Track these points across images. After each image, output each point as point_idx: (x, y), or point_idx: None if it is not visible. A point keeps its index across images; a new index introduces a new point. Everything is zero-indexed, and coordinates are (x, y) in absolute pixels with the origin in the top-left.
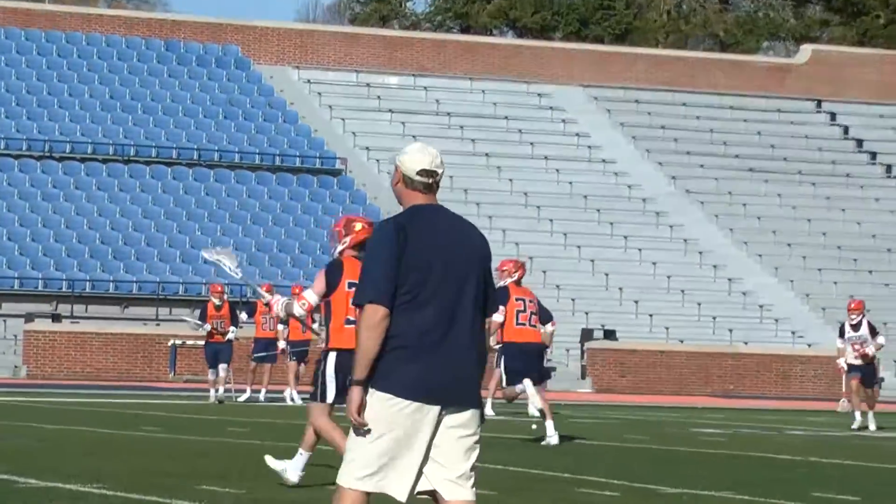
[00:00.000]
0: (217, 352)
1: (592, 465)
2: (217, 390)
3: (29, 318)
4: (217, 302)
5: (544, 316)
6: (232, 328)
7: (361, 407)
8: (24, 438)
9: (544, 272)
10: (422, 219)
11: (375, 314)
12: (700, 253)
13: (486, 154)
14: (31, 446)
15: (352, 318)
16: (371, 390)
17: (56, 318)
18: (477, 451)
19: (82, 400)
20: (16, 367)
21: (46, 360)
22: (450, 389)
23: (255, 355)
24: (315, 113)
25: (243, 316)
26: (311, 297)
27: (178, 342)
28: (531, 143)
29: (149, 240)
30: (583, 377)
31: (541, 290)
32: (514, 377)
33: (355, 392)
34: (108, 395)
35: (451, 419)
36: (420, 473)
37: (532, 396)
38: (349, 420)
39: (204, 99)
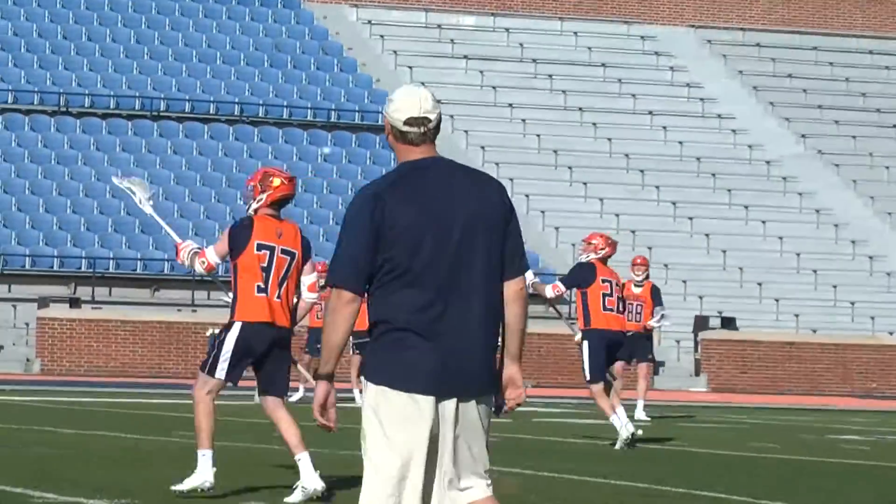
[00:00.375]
0: None
1: (710, 479)
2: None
3: (43, 302)
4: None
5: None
6: None
7: (325, 405)
8: (40, 446)
9: (649, 248)
10: (408, 181)
11: (338, 298)
12: (835, 226)
13: (580, 108)
14: (47, 455)
15: (262, 286)
16: (365, 383)
17: (74, 302)
18: (488, 448)
19: (106, 400)
20: (28, 360)
21: (63, 352)
22: (449, 378)
23: (311, 348)
24: (377, 60)
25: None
26: (212, 256)
27: (217, 331)
28: (633, 96)
29: (182, 210)
30: (696, 374)
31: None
32: (596, 374)
33: (319, 387)
34: (136, 394)
35: (454, 411)
36: (429, 479)
37: (606, 399)
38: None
39: (246, 44)
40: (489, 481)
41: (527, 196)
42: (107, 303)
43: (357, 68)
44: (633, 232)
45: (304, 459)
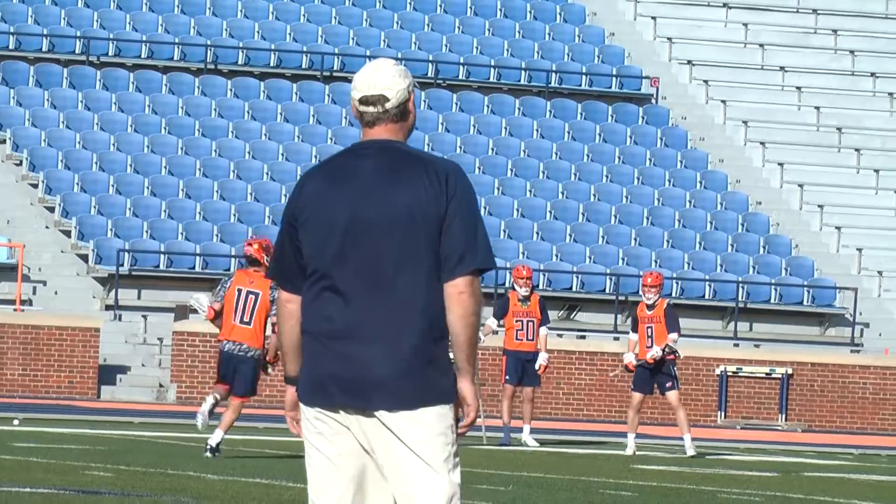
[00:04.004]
0: None
1: None
2: None
3: (180, 313)
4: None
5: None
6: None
7: (294, 407)
8: (178, 495)
9: None
10: (333, 168)
11: (279, 298)
12: None
13: (872, 74)
14: None
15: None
16: None
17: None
18: (452, 469)
19: (259, 438)
20: (160, 386)
21: (206, 376)
22: (352, 387)
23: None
24: (610, 7)
25: None
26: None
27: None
28: None
29: None
30: None
31: None
32: None
33: (287, 392)
34: None
35: (380, 426)
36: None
37: None
38: None
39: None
40: None
41: (800, 186)
42: None
43: (585, 18)
44: None
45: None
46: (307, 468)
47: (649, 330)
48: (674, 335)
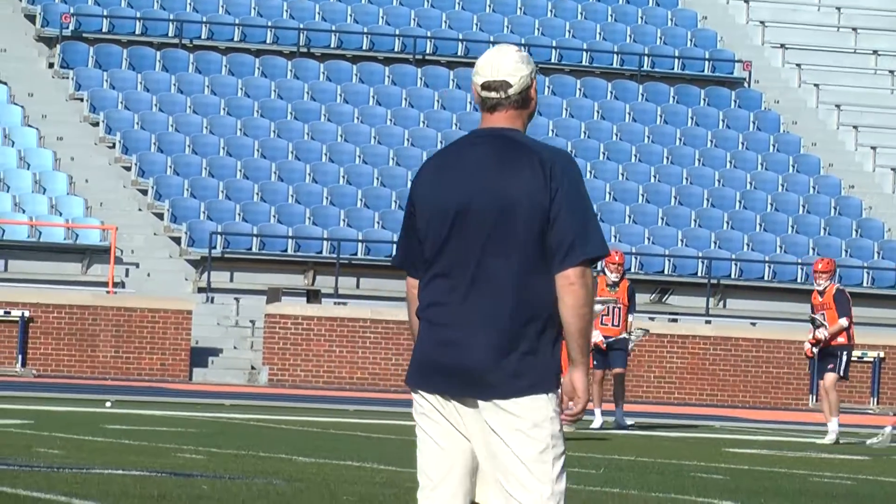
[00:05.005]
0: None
1: None
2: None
3: (273, 295)
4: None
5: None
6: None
7: None
8: (271, 478)
9: None
10: (448, 154)
11: (407, 283)
12: None
13: None
14: (281, 490)
15: None
16: None
17: (313, 296)
18: (538, 465)
19: (352, 420)
20: (252, 368)
21: (298, 359)
22: (449, 373)
23: None
24: None
25: None
26: None
27: None
28: None
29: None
30: None
31: None
32: None
33: None
34: (391, 413)
35: (478, 414)
36: (458, 485)
37: None
38: None
39: None
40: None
41: (893, 170)
42: (354, 297)
43: (678, 2)
44: None
45: None
46: (417, 451)
47: (822, 316)
48: (843, 320)
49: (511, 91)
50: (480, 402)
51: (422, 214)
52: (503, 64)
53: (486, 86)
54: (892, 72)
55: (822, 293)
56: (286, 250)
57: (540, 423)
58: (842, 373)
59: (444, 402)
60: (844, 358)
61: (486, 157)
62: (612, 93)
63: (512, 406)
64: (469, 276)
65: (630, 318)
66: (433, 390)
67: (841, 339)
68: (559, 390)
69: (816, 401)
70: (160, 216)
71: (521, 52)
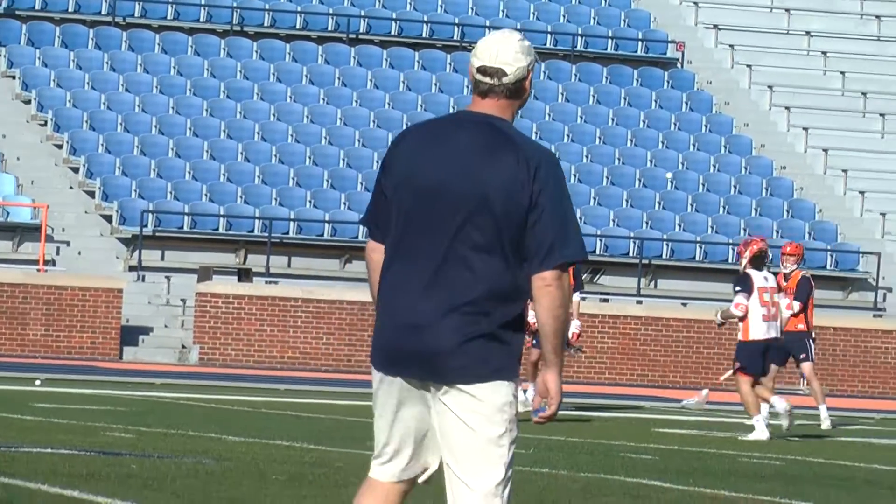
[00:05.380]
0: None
1: None
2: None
3: (204, 274)
4: None
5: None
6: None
7: None
8: (199, 457)
9: None
10: (426, 132)
11: (367, 247)
12: None
13: None
14: (210, 469)
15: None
16: None
17: (244, 274)
18: (495, 448)
19: (282, 400)
20: (183, 347)
21: (229, 338)
22: (411, 357)
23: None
24: None
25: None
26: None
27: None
28: None
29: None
30: None
31: None
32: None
33: None
34: (321, 392)
35: (439, 396)
36: (412, 457)
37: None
38: None
39: None
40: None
41: (825, 151)
42: (285, 276)
43: None
44: None
45: None
46: (374, 421)
47: (782, 297)
48: (795, 304)
49: (506, 80)
50: (443, 387)
51: (391, 186)
52: (503, 51)
53: (482, 70)
54: (824, 53)
55: (787, 276)
56: (217, 229)
57: (501, 407)
58: (812, 358)
59: (405, 384)
60: (812, 345)
61: (470, 142)
62: (545, 73)
63: (475, 390)
64: (436, 261)
65: (576, 296)
66: (396, 374)
67: (801, 326)
68: (518, 377)
69: (806, 385)
70: (91, 194)
71: (524, 41)
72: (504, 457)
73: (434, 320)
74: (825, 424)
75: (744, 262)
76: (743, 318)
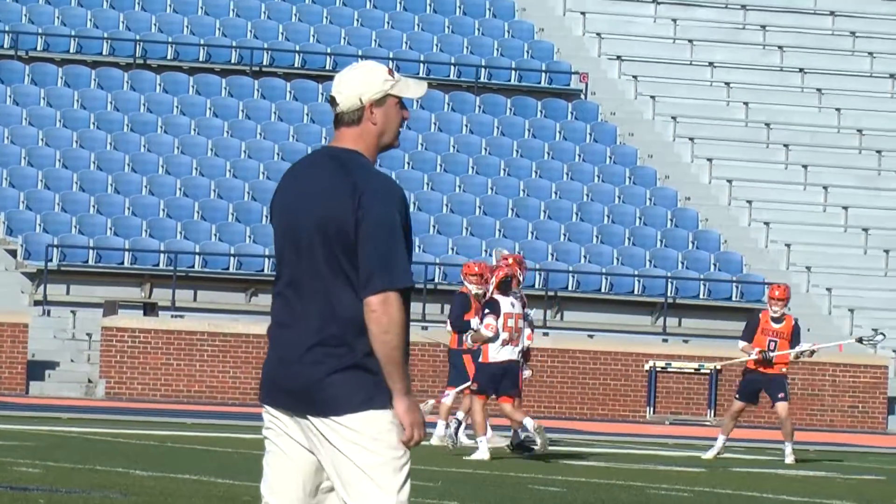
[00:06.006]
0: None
1: None
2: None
3: (109, 308)
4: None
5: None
6: None
7: None
8: (107, 491)
9: (886, 252)
10: (288, 174)
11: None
12: None
13: (800, 70)
14: None
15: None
16: None
17: (150, 308)
18: (379, 477)
19: (189, 434)
20: (89, 382)
21: (135, 371)
22: (285, 390)
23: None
24: (540, 3)
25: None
26: None
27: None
28: (870, 55)
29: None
30: None
31: None
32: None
33: None
34: (228, 426)
35: (316, 427)
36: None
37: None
38: None
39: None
40: None
41: (729, 182)
42: (190, 309)
43: (514, 13)
44: (865, 231)
45: None
46: (264, 461)
47: (772, 344)
48: (791, 354)
49: (338, 109)
50: (320, 419)
51: (274, 226)
52: (341, 81)
53: (328, 99)
54: (727, 84)
55: (777, 320)
56: (123, 263)
57: (377, 436)
58: (788, 398)
59: (288, 418)
60: (787, 384)
61: (316, 178)
62: (449, 104)
63: (348, 421)
64: (299, 296)
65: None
66: (277, 406)
67: (784, 370)
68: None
69: (715, 416)
70: None
71: (376, 71)
72: (391, 483)
73: (302, 354)
74: (789, 460)
75: (491, 287)
76: (494, 340)
